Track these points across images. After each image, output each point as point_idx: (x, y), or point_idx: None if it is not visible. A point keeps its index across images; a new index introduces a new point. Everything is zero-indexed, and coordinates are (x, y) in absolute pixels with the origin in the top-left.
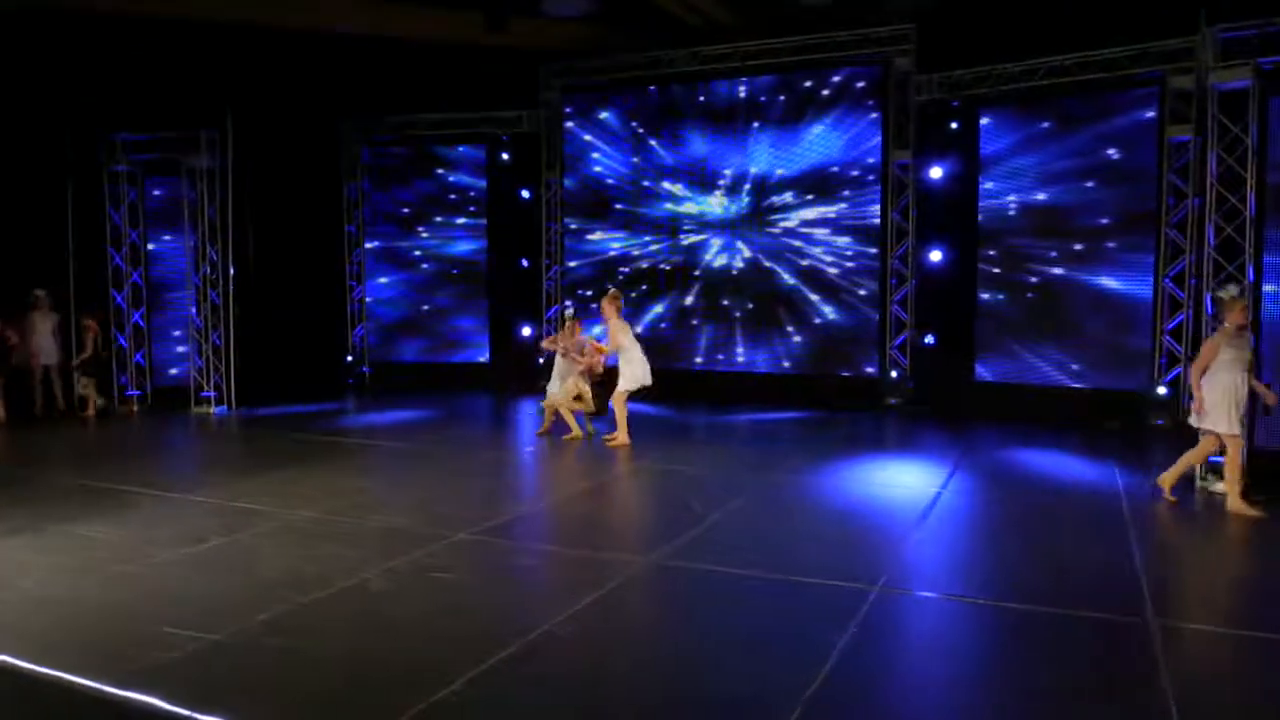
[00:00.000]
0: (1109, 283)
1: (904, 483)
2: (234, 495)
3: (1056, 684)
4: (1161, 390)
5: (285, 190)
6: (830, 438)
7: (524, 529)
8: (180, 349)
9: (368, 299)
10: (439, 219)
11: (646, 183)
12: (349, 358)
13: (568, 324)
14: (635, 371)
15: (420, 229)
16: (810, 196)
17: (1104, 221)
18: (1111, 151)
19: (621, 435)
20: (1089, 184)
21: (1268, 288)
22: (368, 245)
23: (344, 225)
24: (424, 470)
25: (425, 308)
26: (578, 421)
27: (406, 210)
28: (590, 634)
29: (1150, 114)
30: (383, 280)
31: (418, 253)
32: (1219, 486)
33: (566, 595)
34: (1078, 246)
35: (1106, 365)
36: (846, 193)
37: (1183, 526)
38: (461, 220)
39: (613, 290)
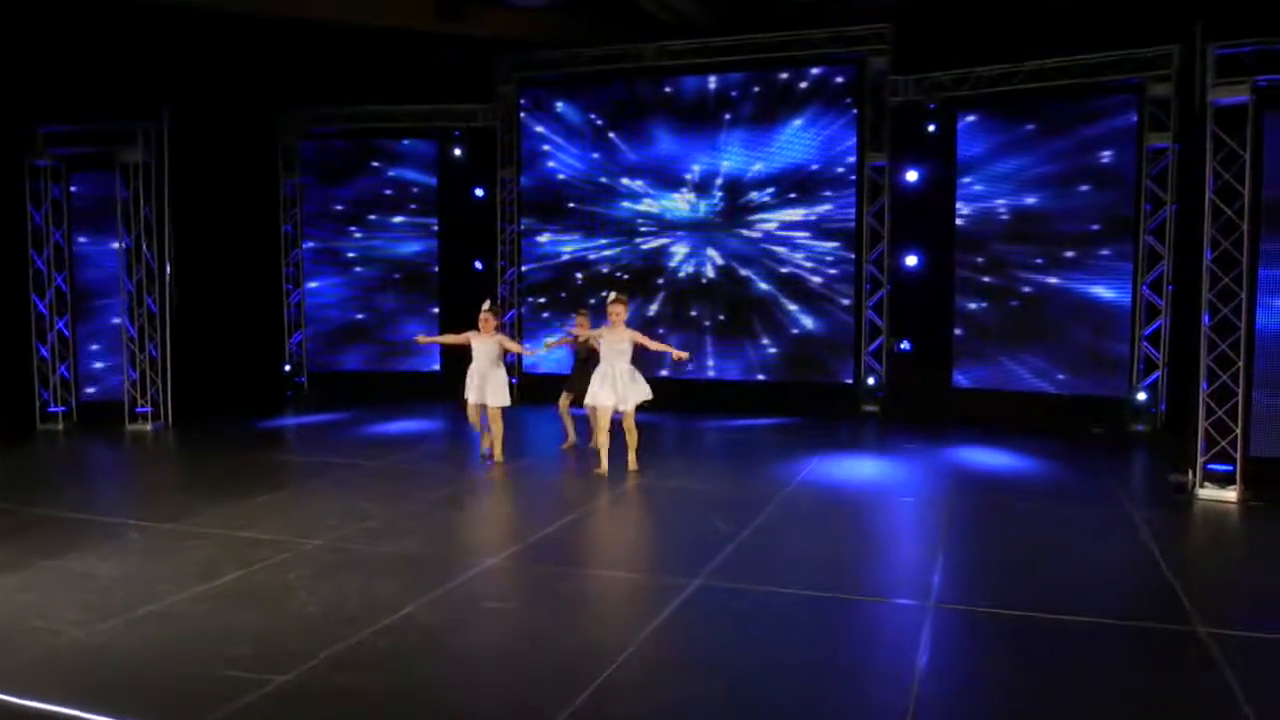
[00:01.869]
0: (1087, 288)
1: (911, 491)
2: (225, 524)
3: (1139, 701)
4: (1141, 396)
5: (216, 186)
6: (817, 447)
7: (553, 552)
8: (98, 365)
9: (306, 303)
10: (385, 218)
11: (610, 182)
12: (286, 367)
13: (577, 318)
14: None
15: (365, 229)
16: (782, 199)
17: (1082, 227)
18: (1090, 157)
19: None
20: (1068, 189)
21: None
22: (306, 246)
23: (280, 224)
24: (415, 491)
25: (370, 313)
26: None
27: (349, 208)
28: (674, 660)
29: (1128, 121)
30: (321, 284)
31: (358, 254)
32: (1210, 493)
33: (631, 621)
34: (1056, 252)
35: (1086, 371)
36: (820, 195)
37: (1198, 532)
38: (410, 220)
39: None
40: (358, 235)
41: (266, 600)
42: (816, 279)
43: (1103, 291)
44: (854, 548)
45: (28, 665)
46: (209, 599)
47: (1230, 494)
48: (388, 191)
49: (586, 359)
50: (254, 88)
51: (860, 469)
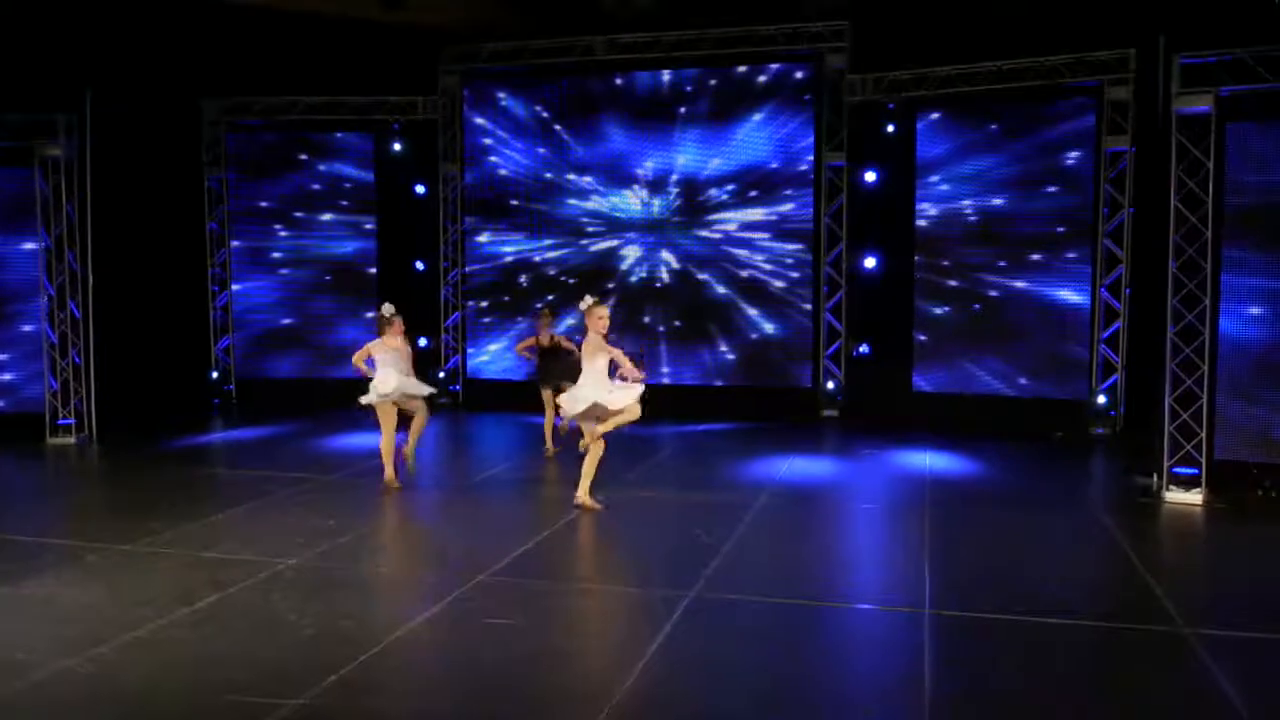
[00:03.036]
0: (1047, 291)
1: (882, 497)
2: (186, 544)
3: (1140, 700)
4: (1100, 399)
5: (134, 180)
6: (782, 453)
7: (540, 567)
8: (8, 376)
9: (234, 306)
10: (319, 216)
11: (558, 180)
12: (213, 374)
13: (542, 320)
14: None
15: (296, 227)
16: (738, 198)
17: (1042, 230)
18: (1049, 160)
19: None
20: (1027, 192)
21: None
22: (234, 245)
23: (205, 222)
24: (377, 506)
25: (302, 317)
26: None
27: (279, 205)
28: (688, 673)
29: (1087, 123)
30: (249, 286)
31: (289, 254)
32: (1176, 496)
33: (637, 635)
34: (1016, 254)
35: (1046, 374)
36: (776, 195)
37: (1168, 536)
38: (345, 218)
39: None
40: (288, 234)
41: (255, 623)
42: (773, 280)
43: (1062, 294)
44: (839, 556)
45: (24, 696)
46: (194, 623)
47: (1196, 497)
48: (321, 187)
49: (551, 351)
50: (175, 74)
51: (828, 476)
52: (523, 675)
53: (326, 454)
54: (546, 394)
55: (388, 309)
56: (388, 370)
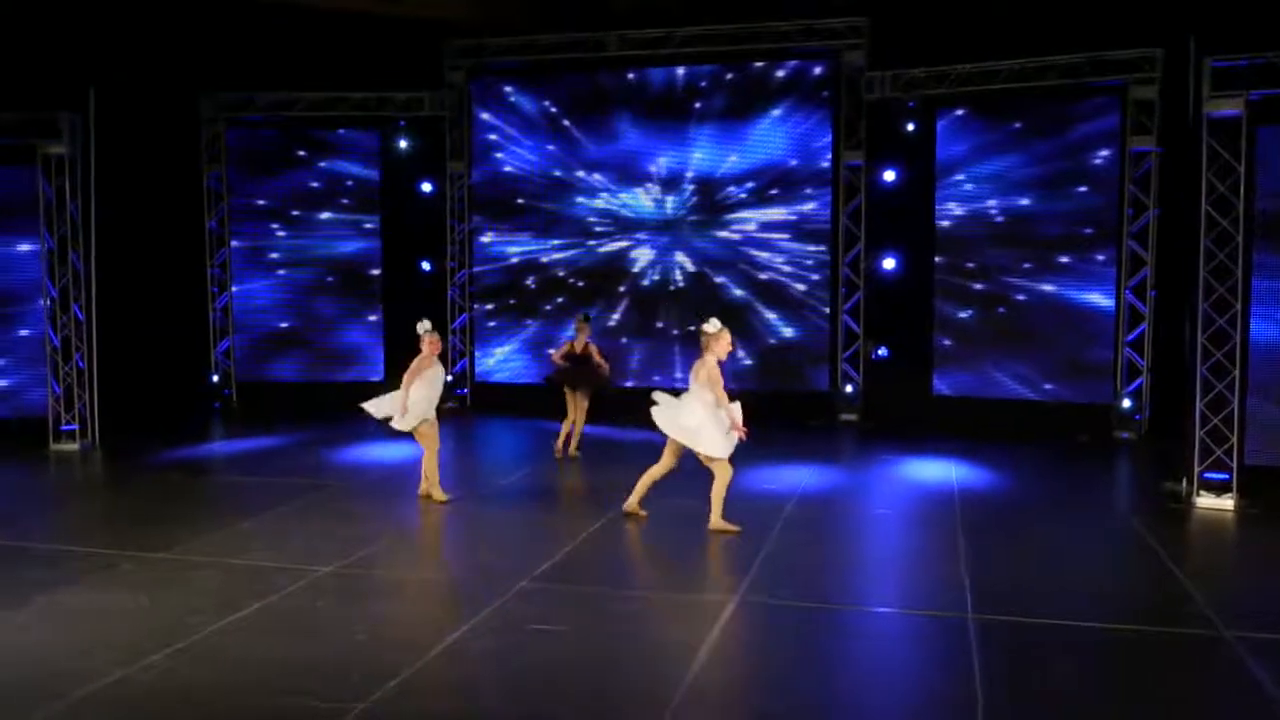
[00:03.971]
0: (1070, 293)
1: (911, 502)
2: (217, 552)
3: (1189, 704)
4: (1125, 403)
5: (132, 178)
6: (803, 459)
7: (579, 573)
8: (4, 382)
9: (234, 308)
10: (321, 215)
11: (567, 178)
12: (214, 377)
13: (580, 328)
14: None
15: (298, 226)
16: (754, 198)
17: (1066, 231)
18: (1073, 160)
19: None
20: (1050, 192)
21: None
22: (234, 245)
23: (204, 221)
24: (402, 513)
25: (304, 319)
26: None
27: (280, 204)
28: (743, 678)
29: (1111, 123)
30: (250, 287)
31: (290, 254)
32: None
33: (685, 640)
34: (1040, 256)
35: (1069, 377)
36: (793, 194)
37: (1202, 541)
38: (348, 217)
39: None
40: (290, 234)
41: (305, 629)
42: (791, 281)
43: (1086, 296)
44: (874, 561)
45: (87, 703)
46: (243, 629)
47: (1227, 502)
48: (324, 186)
49: (583, 359)
50: (175, 69)
51: (852, 481)
52: (577, 679)
53: (339, 460)
54: (573, 396)
55: (424, 326)
56: (426, 390)
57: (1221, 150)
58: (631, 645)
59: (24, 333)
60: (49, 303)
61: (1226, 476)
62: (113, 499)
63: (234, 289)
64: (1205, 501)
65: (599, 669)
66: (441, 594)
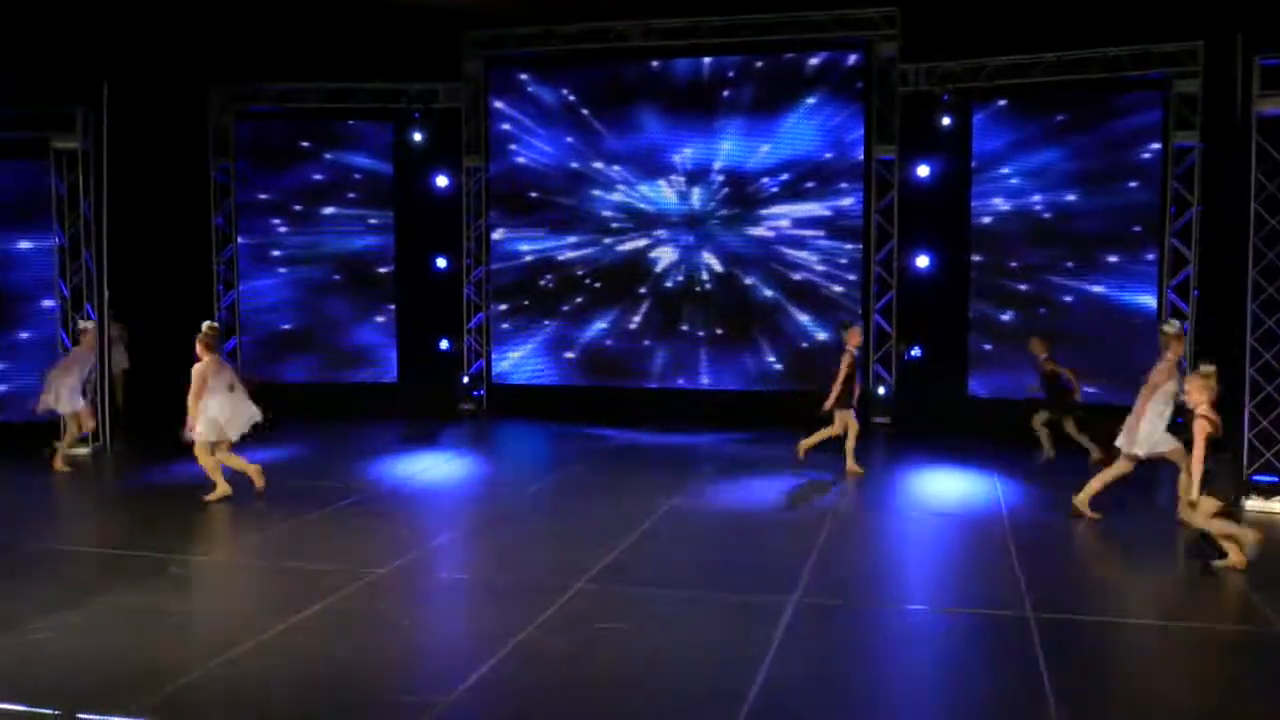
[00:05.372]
0: (1111, 292)
1: (964, 504)
2: (262, 555)
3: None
4: None
5: (138, 173)
6: (838, 462)
7: (634, 575)
8: (3, 386)
9: (241, 305)
10: (332, 210)
11: (587, 173)
12: None
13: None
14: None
15: (308, 222)
16: (786, 192)
17: (1106, 228)
18: (1113, 155)
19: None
20: (1090, 188)
21: None
22: (241, 241)
23: (211, 216)
24: (443, 515)
25: (315, 317)
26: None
27: (290, 199)
28: (814, 679)
29: (1152, 118)
30: (258, 284)
31: (300, 251)
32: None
33: (749, 640)
34: (1080, 253)
35: (1108, 377)
36: (823, 190)
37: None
38: (360, 212)
39: None
40: (299, 229)
41: (371, 628)
42: (821, 279)
43: (1126, 295)
44: (929, 562)
45: (178, 697)
46: (310, 629)
47: (1277, 505)
48: (335, 179)
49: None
50: (181, 58)
51: (893, 485)
52: (646, 678)
53: (360, 464)
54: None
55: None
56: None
57: (1271, 149)
58: (696, 645)
59: (24, 335)
60: (61, 303)
61: (1276, 479)
62: (138, 503)
63: (240, 286)
64: (1254, 505)
65: (665, 668)
66: (500, 594)
